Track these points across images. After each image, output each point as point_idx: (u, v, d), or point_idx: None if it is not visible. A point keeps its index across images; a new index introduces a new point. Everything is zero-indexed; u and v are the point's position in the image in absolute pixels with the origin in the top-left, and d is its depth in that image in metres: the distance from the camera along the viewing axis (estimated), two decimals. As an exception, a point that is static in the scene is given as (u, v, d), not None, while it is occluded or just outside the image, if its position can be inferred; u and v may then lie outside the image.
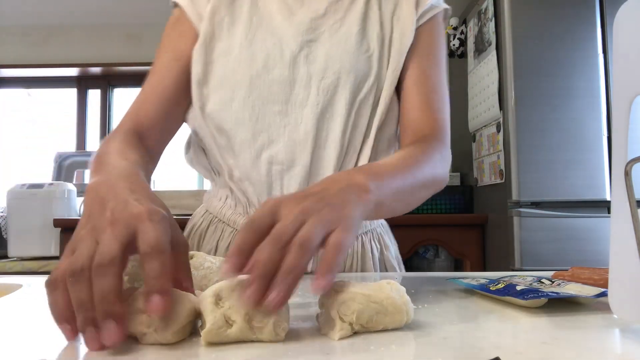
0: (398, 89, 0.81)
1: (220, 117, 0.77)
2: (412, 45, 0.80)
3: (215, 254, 0.81)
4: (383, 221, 0.90)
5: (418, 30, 0.81)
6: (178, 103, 0.80)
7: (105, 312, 0.35)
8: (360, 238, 0.83)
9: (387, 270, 0.85)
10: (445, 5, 0.85)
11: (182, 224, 0.89)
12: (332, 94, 0.76)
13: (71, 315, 0.37)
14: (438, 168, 0.70)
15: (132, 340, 0.39)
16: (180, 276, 0.43)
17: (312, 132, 0.75)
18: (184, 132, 0.87)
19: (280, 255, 0.38)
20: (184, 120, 0.83)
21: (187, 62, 0.79)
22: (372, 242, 0.84)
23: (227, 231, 0.81)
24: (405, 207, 0.65)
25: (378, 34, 0.79)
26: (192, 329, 0.41)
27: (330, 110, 0.76)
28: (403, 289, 0.42)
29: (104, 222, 0.40)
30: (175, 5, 0.83)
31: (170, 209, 0.48)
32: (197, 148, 0.84)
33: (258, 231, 0.40)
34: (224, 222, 0.82)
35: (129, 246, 0.38)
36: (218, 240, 0.82)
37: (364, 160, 0.78)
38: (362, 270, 0.82)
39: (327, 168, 0.76)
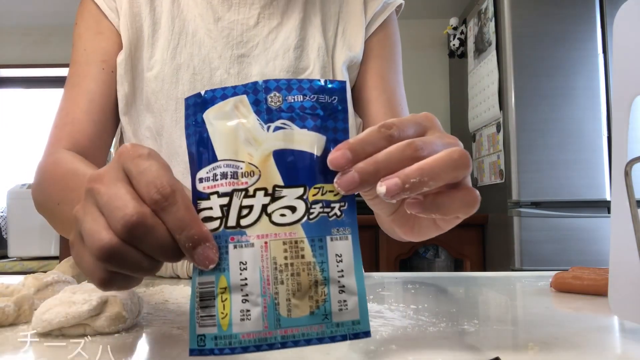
0: (358, 97, 0.77)
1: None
2: (366, 50, 0.75)
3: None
4: None
5: (371, 35, 0.75)
6: (113, 114, 0.71)
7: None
8: None
9: None
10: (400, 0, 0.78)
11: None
12: None
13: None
14: None
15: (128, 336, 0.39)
16: None
17: None
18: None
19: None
20: (114, 134, 0.74)
21: (114, 65, 0.70)
22: None
23: None
24: None
25: (320, 44, 0.71)
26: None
27: None
28: None
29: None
30: None
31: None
32: None
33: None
34: None
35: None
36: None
37: None
38: None
39: None
